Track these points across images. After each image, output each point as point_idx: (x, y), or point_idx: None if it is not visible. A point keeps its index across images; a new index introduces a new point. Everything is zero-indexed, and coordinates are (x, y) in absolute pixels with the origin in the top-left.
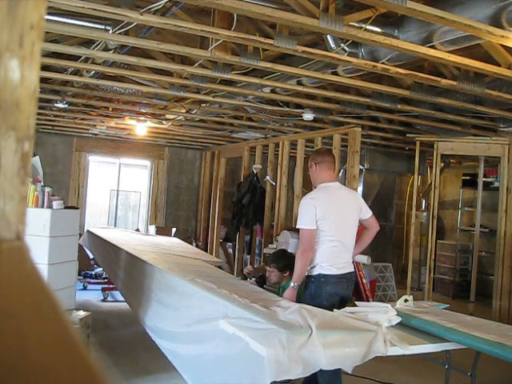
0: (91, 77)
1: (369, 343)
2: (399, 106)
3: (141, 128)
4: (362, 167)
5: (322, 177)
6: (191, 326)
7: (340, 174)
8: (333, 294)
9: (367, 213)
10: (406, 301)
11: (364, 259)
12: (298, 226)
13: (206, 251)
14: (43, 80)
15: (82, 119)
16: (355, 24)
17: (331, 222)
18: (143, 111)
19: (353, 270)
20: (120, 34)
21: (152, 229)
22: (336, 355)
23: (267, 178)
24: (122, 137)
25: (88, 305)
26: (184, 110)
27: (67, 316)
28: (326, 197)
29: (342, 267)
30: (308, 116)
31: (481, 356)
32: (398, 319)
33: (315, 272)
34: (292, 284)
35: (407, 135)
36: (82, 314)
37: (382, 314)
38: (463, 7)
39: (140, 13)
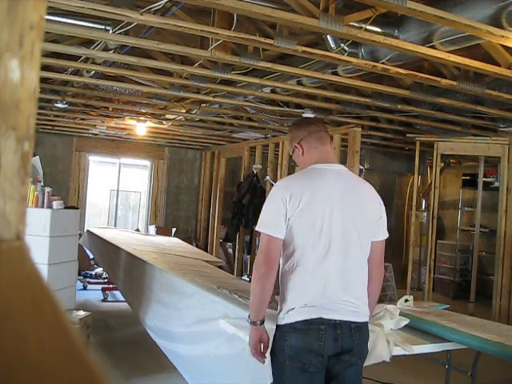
0: (91, 77)
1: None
2: (399, 106)
3: (141, 128)
4: (361, 167)
5: (314, 156)
6: (191, 326)
7: None
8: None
9: (383, 231)
10: (406, 301)
11: None
12: (256, 228)
13: (206, 251)
14: (43, 80)
15: (82, 119)
16: (355, 24)
17: (315, 227)
18: (143, 111)
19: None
20: (120, 34)
21: (152, 229)
22: None
23: (267, 178)
24: (122, 137)
25: (88, 305)
26: (184, 110)
27: (67, 316)
28: (311, 183)
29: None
30: (308, 116)
31: (481, 356)
32: (406, 321)
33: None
34: (248, 320)
35: (407, 135)
36: (82, 313)
37: (388, 320)
38: (463, 7)
39: (140, 13)
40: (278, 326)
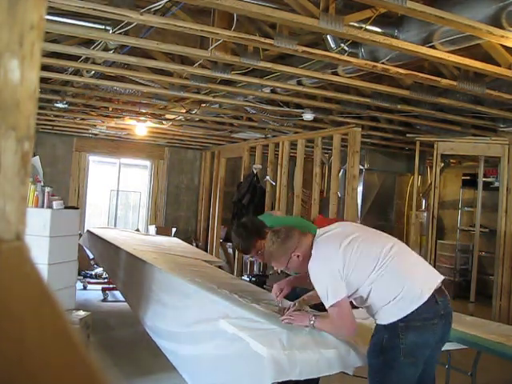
0: (91, 77)
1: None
2: (399, 106)
3: (141, 128)
4: (362, 167)
5: (308, 245)
6: (191, 326)
7: (340, 174)
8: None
9: None
10: None
11: None
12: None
13: (206, 251)
14: (43, 80)
15: (82, 119)
16: (355, 24)
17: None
18: (143, 111)
19: None
20: (120, 34)
21: (152, 229)
22: (334, 356)
23: (267, 178)
24: (122, 137)
25: (88, 305)
26: (184, 110)
27: (67, 316)
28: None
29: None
30: (308, 116)
31: (481, 356)
32: None
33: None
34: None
35: (407, 135)
36: (82, 313)
37: None
38: (463, 7)
39: (140, 13)
40: None
